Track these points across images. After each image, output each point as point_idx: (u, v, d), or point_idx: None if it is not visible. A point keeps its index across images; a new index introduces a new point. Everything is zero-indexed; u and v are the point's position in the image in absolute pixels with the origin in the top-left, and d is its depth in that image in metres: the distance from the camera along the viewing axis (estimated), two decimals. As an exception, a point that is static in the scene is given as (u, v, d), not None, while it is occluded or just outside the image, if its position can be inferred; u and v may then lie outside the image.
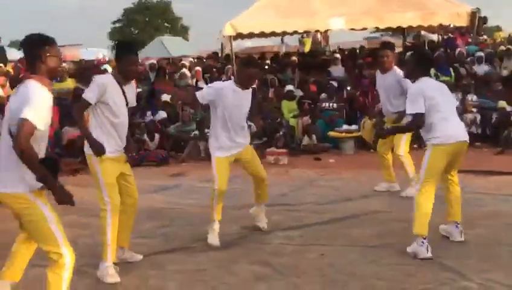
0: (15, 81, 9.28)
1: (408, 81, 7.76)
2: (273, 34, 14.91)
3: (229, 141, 6.01)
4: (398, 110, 7.65)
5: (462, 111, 12.09)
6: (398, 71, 7.89)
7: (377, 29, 18.26)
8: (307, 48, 21.29)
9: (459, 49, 14.16)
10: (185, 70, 14.51)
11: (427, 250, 5.37)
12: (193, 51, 25.25)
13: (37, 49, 3.87)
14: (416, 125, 5.65)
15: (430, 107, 5.47)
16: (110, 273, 5.18)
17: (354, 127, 12.55)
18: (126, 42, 5.46)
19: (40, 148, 3.87)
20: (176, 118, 12.72)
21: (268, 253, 5.77)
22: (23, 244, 4.34)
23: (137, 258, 5.68)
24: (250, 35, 14.65)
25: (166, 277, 5.20)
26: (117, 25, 54.25)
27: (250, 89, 6.17)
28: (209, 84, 6.87)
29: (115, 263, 5.30)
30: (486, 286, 4.70)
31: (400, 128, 6.87)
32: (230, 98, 5.90)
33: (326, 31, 16.73)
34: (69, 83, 12.26)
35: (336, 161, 10.73)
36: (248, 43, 25.00)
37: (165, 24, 54.25)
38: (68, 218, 7.34)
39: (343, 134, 11.74)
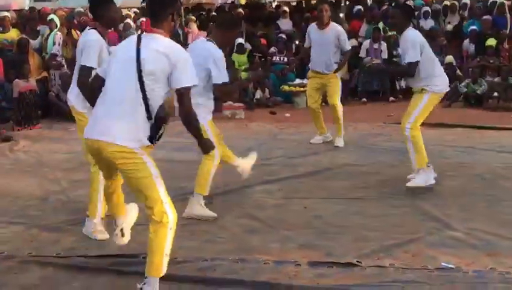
0: None
1: (345, 36, 8.07)
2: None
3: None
4: (333, 67, 7.99)
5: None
6: (337, 26, 8.13)
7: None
8: (242, 0, 21.08)
9: (407, 2, 14.32)
10: (128, 20, 14.07)
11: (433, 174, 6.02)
12: (118, 2, 24.60)
13: None
14: (411, 73, 5.91)
15: (428, 56, 5.84)
16: (99, 229, 5.08)
17: (306, 81, 12.63)
18: None
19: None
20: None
21: (252, 207, 5.79)
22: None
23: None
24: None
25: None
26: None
27: None
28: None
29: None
30: (472, 234, 4.89)
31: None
32: None
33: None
34: (13, 34, 11.69)
35: (292, 115, 10.78)
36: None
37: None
38: (34, 174, 7.21)
39: (296, 88, 11.77)
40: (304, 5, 16.33)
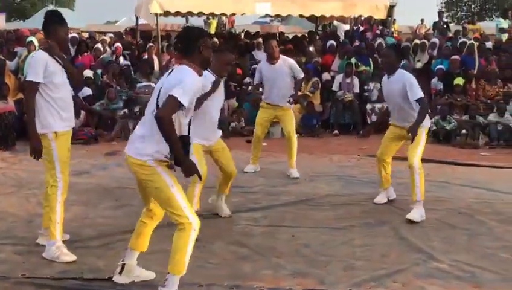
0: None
1: (296, 65, 8.35)
2: (200, 13, 14.85)
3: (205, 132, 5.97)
4: (285, 100, 8.22)
5: (380, 99, 12.72)
6: (286, 58, 8.43)
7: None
8: (212, 30, 21.35)
9: (378, 40, 14.74)
10: (99, 45, 14.14)
11: None
12: (80, 24, 24.62)
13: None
14: (427, 108, 6.47)
15: None
16: (64, 251, 5.12)
17: (280, 111, 12.84)
18: (57, 12, 5.29)
19: (182, 124, 4.18)
20: (99, 95, 12.39)
21: (239, 234, 5.90)
22: (147, 218, 4.64)
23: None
24: (176, 14, 14.49)
25: (147, 257, 5.17)
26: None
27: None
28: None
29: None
30: (456, 266, 5.08)
31: (423, 116, 6.41)
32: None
33: (232, 15, 16.94)
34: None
35: (268, 145, 10.92)
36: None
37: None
38: (15, 195, 7.18)
39: (271, 118, 11.91)
40: (278, 37, 16.62)
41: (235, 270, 4.97)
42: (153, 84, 12.66)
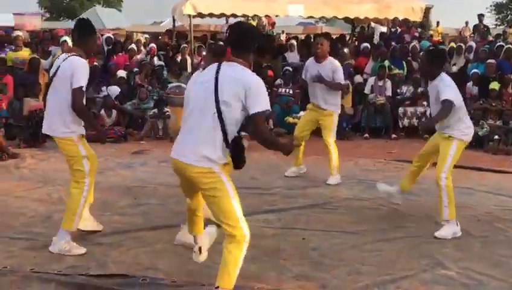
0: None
1: (341, 71, 8.11)
2: (233, 15, 14.92)
3: None
4: (329, 104, 8.05)
5: (413, 103, 12.58)
6: (333, 61, 8.18)
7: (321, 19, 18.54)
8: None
9: (413, 43, 14.58)
10: (133, 45, 14.35)
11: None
12: (127, 24, 24.99)
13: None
14: (449, 112, 5.87)
15: (459, 103, 5.96)
16: (74, 245, 5.28)
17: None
18: (88, 22, 5.51)
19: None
20: (131, 95, 12.59)
21: (251, 235, 5.87)
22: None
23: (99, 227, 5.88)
24: (210, 16, 14.60)
25: (157, 255, 5.26)
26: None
27: None
28: None
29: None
30: (465, 274, 5.00)
31: (439, 117, 6.10)
32: None
33: (266, 16, 16.92)
34: (24, 53, 11.95)
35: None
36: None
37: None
38: (38, 192, 7.35)
39: (297, 120, 11.91)
40: (312, 39, 16.56)
41: (240, 270, 4.95)
42: (183, 85, 12.77)
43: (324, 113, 8.16)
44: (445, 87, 6.00)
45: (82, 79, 5.19)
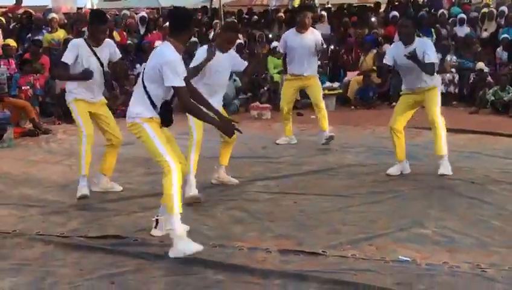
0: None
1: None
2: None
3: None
4: (312, 69, 8.64)
5: (441, 71, 12.56)
6: (314, 30, 8.70)
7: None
8: (296, 3, 21.46)
9: (441, 10, 14.48)
10: (167, 24, 14.75)
11: None
12: (185, 2, 25.30)
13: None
14: (433, 72, 6.79)
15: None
16: (82, 183, 6.33)
17: (336, 84, 13.02)
18: (99, 12, 6.30)
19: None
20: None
21: (246, 200, 6.25)
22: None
23: (118, 188, 6.61)
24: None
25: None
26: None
27: (230, 52, 6.51)
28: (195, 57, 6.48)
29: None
30: (440, 232, 5.20)
31: (422, 65, 6.72)
32: (211, 63, 6.17)
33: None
34: (60, 34, 12.53)
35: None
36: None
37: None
38: (61, 164, 7.89)
39: (325, 91, 12.11)
40: (345, 10, 16.64)
41: (225, 232, 5.34)
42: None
43: (307, 77, 8.64)
44: (431, 50, 6.71)
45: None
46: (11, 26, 13.99)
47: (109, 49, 6.48)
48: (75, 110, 6.45)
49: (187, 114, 6.16)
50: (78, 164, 6.44)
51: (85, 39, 6.45)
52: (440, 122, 6.87)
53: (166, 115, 4.92)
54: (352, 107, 12.62)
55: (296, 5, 20.60)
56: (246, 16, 16.76)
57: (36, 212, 5.95)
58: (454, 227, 5.32)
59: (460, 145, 8.51)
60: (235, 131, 5.07)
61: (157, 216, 5.16)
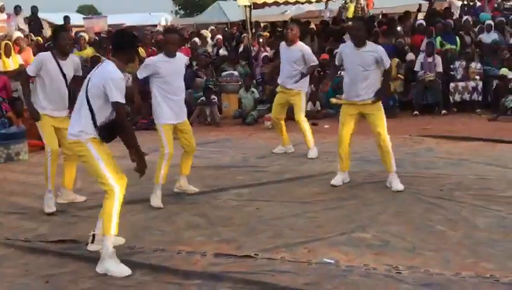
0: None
1: (311, 54, 8.70)
2: (285, 2, 15.37)
3: (170, 110, 6.59)
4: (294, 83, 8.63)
5: (465, 78, 12.43)
6: (303, 45, 8.79)
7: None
8: (350, 14, 21.44)
9: (465, 17, 14.30)
10: (196, 39, 15.26)
11: None
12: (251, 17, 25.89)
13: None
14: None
15: None
16: (49, 204, 6.53)
17: (354, 94, 13.01)
18: (60, 26, 6.62)
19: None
20: (187, 85, 13.42)
21: (212, 207, 6.50)
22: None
23: (80, 199, 6.94)
24: (263, 5, 15.13)
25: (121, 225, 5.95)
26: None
27: (183, 59, 6.85)
28: (144, 62, 6.87)
29: None
30: (379, 236, 5.30)
31: (389, 80, 7.56)
32: (163, 69, 6.46)
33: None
34: (88, 51, 13.19)
35: (330, 127, 11.23)
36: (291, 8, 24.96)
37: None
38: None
39: (341, 100, 12.15)
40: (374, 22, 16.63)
41: (176, 237, 5.62)
42: (236, 73, 13.52)
43: (292, 93, 8.68)
44: (386, 55, 6.83)
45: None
46: (46, 45, 14.81)
47: (73, 65, 6.69)
48: (40, 127, 6.71)
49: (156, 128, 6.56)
50: (45, 180, 6.61)
51: (52, 52, 6.59)
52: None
53: (106, 132, 5.00)
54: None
55: (351, 16, 20.68)
56: (279, 29, 17.01)
57: (14, 219, 6.41)
58: (396, 232, 5.40)
59: (454, 153, 8.48)
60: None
61: (93, 231, 5.29)
